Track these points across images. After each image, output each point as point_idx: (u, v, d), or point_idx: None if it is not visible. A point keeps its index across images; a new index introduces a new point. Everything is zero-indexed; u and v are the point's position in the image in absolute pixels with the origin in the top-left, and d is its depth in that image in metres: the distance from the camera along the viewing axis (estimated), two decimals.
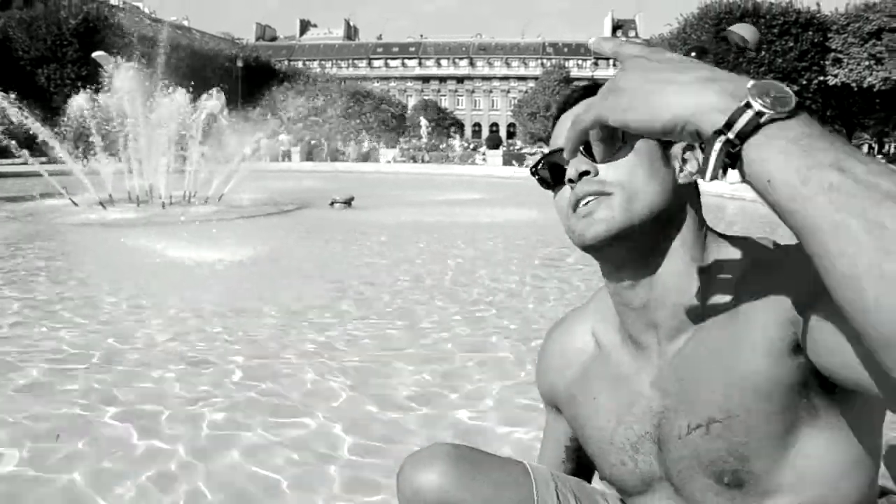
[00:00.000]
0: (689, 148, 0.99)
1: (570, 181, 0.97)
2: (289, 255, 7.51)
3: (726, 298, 0.95)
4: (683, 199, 0.99)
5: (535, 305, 5.05)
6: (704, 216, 1.02)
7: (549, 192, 1.07)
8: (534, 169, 1.07)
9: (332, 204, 12.78)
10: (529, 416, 2.88)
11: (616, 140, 0.91)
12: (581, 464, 1.29)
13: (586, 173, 0.96)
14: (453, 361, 3.72)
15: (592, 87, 1.01)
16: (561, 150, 0.97)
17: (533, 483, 1.19)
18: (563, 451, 1.30)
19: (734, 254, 0.99)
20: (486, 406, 3.08)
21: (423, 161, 33.27)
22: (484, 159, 33.23)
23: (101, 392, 3.16)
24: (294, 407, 3.04)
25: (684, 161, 0.99)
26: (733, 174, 0.67)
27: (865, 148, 47.68)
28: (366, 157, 34.44)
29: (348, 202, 12.79)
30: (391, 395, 3.19)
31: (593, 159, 0.95)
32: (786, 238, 0.84)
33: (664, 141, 0.97)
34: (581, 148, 0.94)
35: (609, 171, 0.95)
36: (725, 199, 16.60)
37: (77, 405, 3.00)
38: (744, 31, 19.54)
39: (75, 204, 11.67)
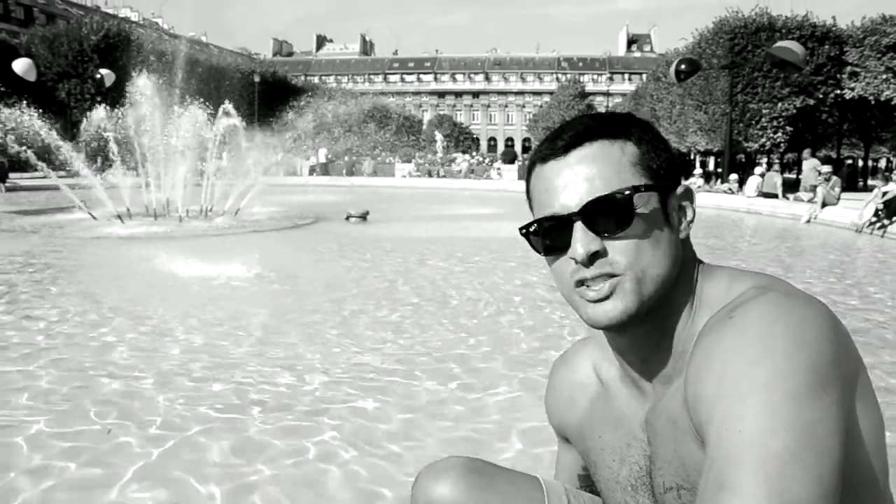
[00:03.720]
0: (686, 194, 0.99)
1: (576, 261, 0.93)
2: (303, 269, 7.54)
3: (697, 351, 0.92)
4: (682, 254, 0.98)
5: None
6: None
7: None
8: (525, 231, 1.01)
9: (347, 218, 12.82)
10: None
11: (627, 215, 0.91)
12: (594, 492, 1.29)
13: (597, 255, 0.92)
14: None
15: (586, 131, 0.96)
16: (562, 215, 0.94)
17: (545, 497, 1.20)
18: (577, 479, 1.30)
19: (716, 297, 0.95)
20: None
21: (438, 176, 33.36)
22: (499, 174, 33.25)
23: (126, 403, 3.19)
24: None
25: (681, 209, 0.98)
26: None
27: (883, 162, 47.27)
28: (375, 172, 34.60)
29: (364, 217, 12.83)
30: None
31: (597, 232, 0.92)
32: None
33: (663, 196, 0.96)
34: (586, 221, 0.92)
35: (617, 249, 0.92)
36: (742, 213, 16.61)
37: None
38: (793, 47, 19.23)
39: (94, 217, 11.80)
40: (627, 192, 0.92)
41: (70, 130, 15.56)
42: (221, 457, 2.68)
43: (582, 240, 0.92)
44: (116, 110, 14.85)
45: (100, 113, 15.06)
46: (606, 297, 0.93)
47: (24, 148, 12.82)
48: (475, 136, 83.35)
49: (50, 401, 3.23)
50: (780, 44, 20.07)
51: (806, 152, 21.44)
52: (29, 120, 13.06)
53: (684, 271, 0.98)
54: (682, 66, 21.18)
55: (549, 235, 0.97)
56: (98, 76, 26.96)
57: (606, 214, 0.92)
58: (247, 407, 3.19)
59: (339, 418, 3.07)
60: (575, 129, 0.97)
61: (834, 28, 25.14)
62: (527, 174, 1.03)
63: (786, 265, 8.41)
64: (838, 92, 24.77)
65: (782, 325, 0.80)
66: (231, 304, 5.44)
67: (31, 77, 24.09)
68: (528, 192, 1.03)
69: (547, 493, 1.20)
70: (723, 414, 0.78)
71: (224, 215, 12.87)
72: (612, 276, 0.92)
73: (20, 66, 23.67)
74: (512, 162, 40.20)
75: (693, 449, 0.89)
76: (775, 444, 0.73)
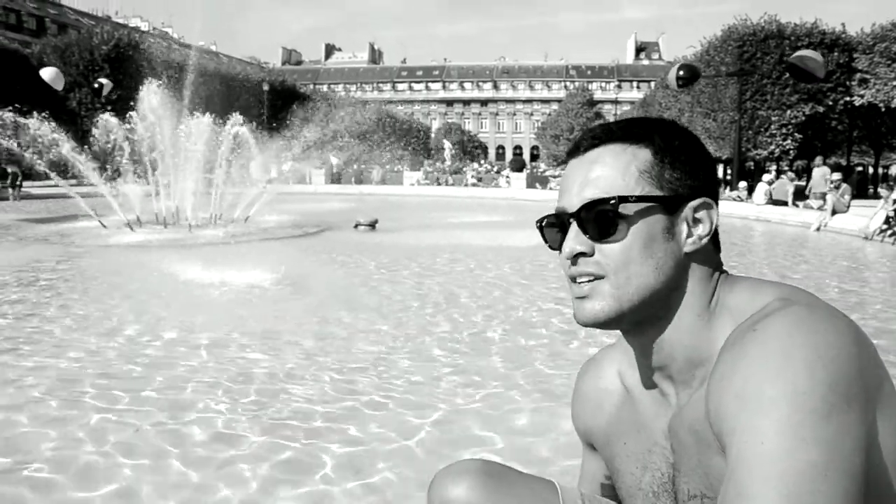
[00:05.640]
0: (705, 207, 0.97)
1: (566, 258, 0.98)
2: (312, 278, 7.55)
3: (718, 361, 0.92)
4: (688, 266, 0.98)
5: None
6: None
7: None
8: (539, 225, 1.07)
9: (356, 226, 12.83)
10: None
11: (613, 222, 0.94)
12: (617, 501, 1.29)
13: (582, 254, 0.96)
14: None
15: (606, 132, 1.00)
16: (564, 214, 0.99)
17: (560, 502, 1.19)
18: (599, 487, 1.30)
19: (738, 307, 0.95)
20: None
21: (446, 184, 33.43)
22: (507, 182, 33.28)
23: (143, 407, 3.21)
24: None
25: (696, 221, 0.97)
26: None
27: (894, 169, 47.01)
28: (383, 180, 34.75)
29: (372, 225, 12.84)
30: None
31: (587, 234, 0.96)
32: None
33: (671, 208, 0.96)
34: (578, 223, 0.97)
35: (605, 253, 0.95)
36: (751, 220, 16.54)
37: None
38: (814, 56, 19.14)
39: (104, 226, 11.86)
40: (613, 201, 0.94)
41: (81, 139, 15.66)
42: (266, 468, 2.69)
43: (570, 240, 0.97)
44: (126, 119, 14.92)
45: (110, 122, 15.15)
46: (587, 297, 0.97)
47: (34, 157, 12.95)
48: (484, 144, 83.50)
49: (81, 397, 3.25)
50: (800, 53, 20.00)
51: (818, 159, 21.34)
52: (47, 129, 13.16)
53: (694, 281, 0.98)
54: (681, 73, 21.14)
55: (553, 231, 1.04)
56: (96, 85, 27.17)
57: (595, 219, 0.96)
58: (264, 413, 3.20)
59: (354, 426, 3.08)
60: (596, 131, 1.02)
61: (843, 35, 25.04)
62: None
63: (795, 273, 8.37)
64: (848, 99, 24.66)
65: (804, 338, 0.80)
66: (236, 310, 5.46)
67: (59, 86, 24.14)
68: None
69: (562, 497, 1.20)
70: (744, 427, 0.78)
71: (233, 223, 12.91)
72: (596, 276, 0.96)
73: (48, 74, 23.71)
74: (520, 170, 40.23)
75: (716, 459, 0.89)
76: (798, 459, 0.73)
